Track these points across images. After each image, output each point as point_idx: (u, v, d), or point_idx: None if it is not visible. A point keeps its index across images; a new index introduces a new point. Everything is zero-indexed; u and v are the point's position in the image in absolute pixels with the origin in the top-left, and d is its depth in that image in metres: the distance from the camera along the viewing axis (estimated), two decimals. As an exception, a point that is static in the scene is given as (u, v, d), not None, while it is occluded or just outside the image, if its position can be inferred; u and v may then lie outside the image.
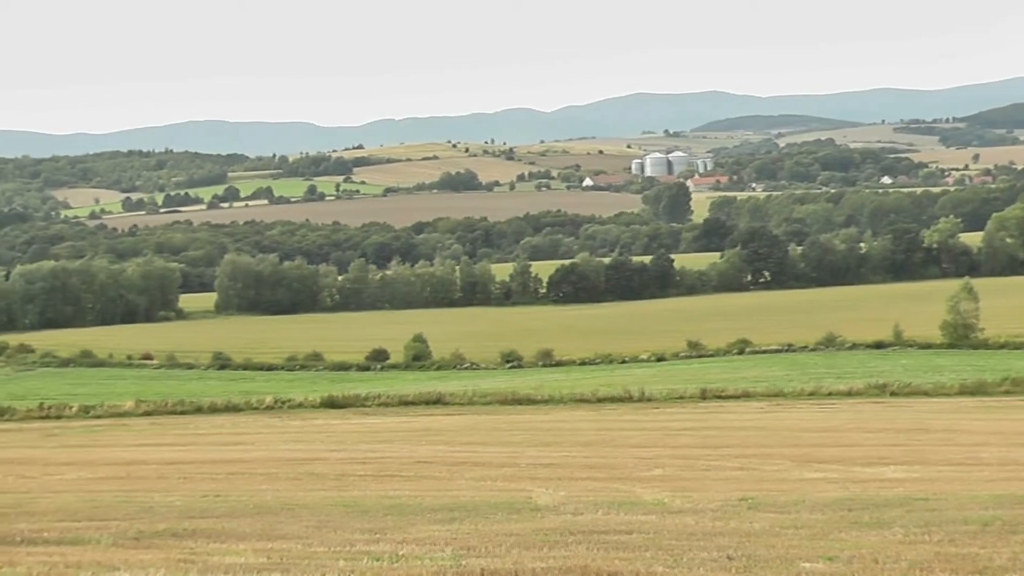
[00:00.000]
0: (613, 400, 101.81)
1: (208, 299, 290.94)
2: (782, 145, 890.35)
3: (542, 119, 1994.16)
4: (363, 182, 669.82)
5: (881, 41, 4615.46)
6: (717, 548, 27.52)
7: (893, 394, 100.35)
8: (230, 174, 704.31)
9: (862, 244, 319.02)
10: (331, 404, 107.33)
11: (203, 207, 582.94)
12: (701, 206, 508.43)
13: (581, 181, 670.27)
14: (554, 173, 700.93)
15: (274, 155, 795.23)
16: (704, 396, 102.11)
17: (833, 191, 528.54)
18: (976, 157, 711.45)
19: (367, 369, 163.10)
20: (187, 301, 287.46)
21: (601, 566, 24.92)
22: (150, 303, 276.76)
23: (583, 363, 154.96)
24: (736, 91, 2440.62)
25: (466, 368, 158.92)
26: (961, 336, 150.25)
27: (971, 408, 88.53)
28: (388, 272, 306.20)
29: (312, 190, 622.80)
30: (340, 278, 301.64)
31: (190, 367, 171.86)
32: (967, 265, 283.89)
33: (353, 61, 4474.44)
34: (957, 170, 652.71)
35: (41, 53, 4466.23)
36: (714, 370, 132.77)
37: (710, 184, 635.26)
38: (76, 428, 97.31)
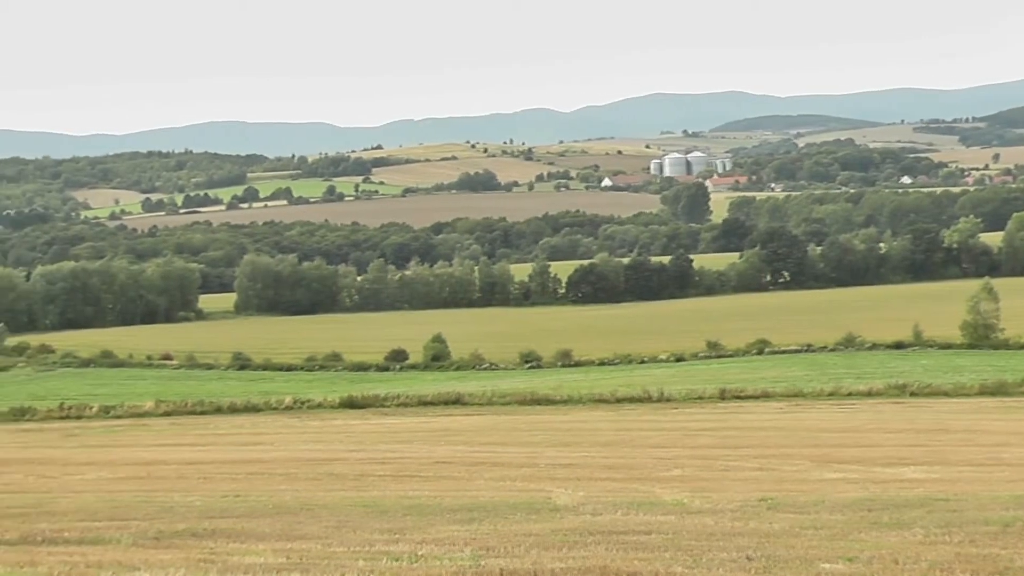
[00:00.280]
0: (632, 400, 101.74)
1: (228, 299, 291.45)
2: (801, 145, 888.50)
3: (561, 119, 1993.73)
4: (382, 182, 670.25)
5: (901, 41, 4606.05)
6: (736, 548, 27.49)
7: (913, 394, 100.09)
8: (249, 175, 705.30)
9: (882, 244, 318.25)
10: (350, 404, 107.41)
11: (222, 207, 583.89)
12: (720, 206, 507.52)
13: (600, 181, 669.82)
14: (573, 173, 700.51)
15: (293, 156, 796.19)
16: (723, 396, 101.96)
17: (853, 191, 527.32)
18: (996, 157, 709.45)
19: (386, 369, 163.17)
20: (207, 301, 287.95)
21: (620, 566, 24.91)
22: (170, 303, 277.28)
23: (602, 363, 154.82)
24: (755, 91, 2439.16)
25: (485, 368, 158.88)
26: (981, 336, 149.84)
27: (991, 408, 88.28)
28: (407, 272, 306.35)
29: (331, 190, 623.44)
30: (359, 278, 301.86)
31: (210, 367, 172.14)
32: (987, 265, 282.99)
33: (372, 61, 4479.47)
34: (977, 170, 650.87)
35: (61, 54, 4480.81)
36: (733, 370, 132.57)
37: (729, 184, 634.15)
38: (96, 428, 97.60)
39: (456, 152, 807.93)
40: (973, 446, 63.05)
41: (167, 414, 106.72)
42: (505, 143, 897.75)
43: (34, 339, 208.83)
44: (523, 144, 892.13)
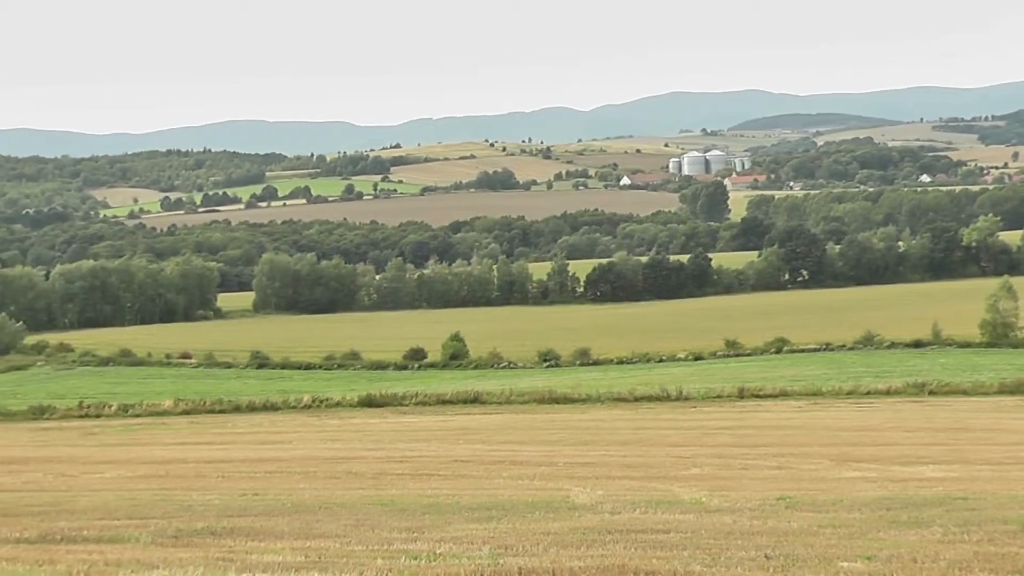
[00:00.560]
0: (650, 399, 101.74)
1: (246, 298, 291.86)
2: (820, 144, 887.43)
3: (579, 118, 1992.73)
4: (400, 181, 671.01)
5: (920, 39, 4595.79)
6: (755, 547, 27.45)
7: (932, 393, 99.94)
8: (268, 173, 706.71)
9: (901, 243, 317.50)
10: (369, 403, 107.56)
11: (241, 206, 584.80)
12: (739, 205, 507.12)
13: (618, 180, 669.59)
14: (591, 172, 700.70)
15: (312, 154, 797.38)
16: (742, 395, 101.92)
17: (871, 190, 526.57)
18: (1015, 155, 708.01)
19: (405, 368, 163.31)
20: (225, 300, 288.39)
21: (639, 565, 24.87)
22: (188, 302, 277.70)
23: (620, 362, 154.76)
24: (774, 89, 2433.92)
25: (503, 367, 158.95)
26: (1000, 335, 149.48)
27: (1010, 407, 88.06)
28: (426, 271, 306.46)
29: (350, 189, 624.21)
30: (378, 277, 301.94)
31: (228, 366, 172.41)
32: (1006, 264, 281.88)
33: (391, 61, 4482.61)
34: (996, 168, 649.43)
35: (81, 53, 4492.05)
36: (752, 369, 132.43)
37: (748, 183, 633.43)
38: (115, 427, 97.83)
39: (475, 151, 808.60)
40: (992, 445, 62.89)
41: (186, 413, 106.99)
42: (524, 142, 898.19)
43: (53, 338, 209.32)
44: (542, 143, 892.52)
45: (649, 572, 24.34)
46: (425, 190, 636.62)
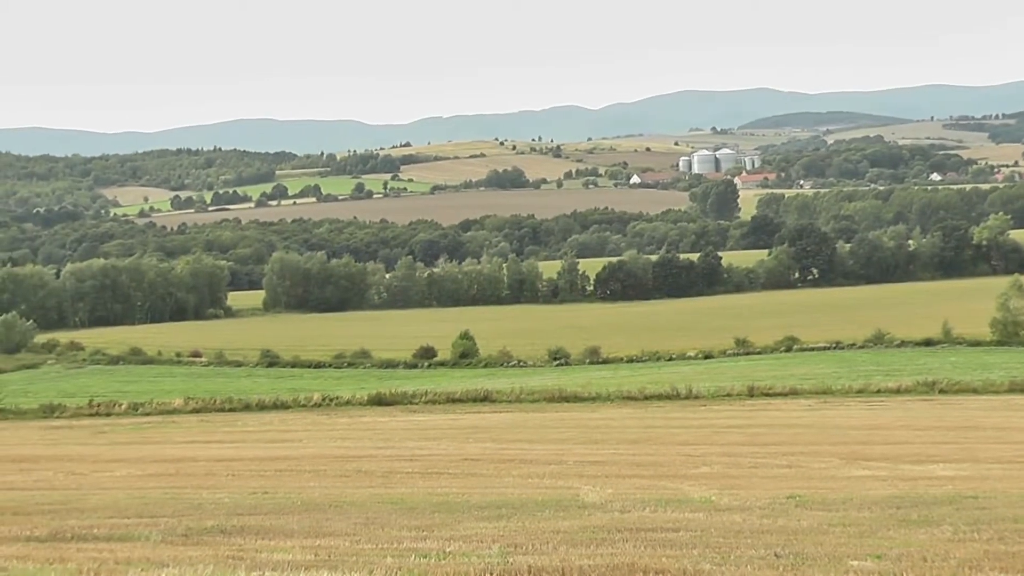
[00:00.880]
0: (660, 398, 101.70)
1: (256, 297, 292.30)
2: (830, 142, 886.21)
3: (589, 117, 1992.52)
4: (411, 180, 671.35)
5: (930, 37, 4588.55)
6: (765, 546, 27.42)
7: (942, 392, 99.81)
8: (278, 172, 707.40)
9: (911, 241, 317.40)
10: (379, 401, 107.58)
11: (251, 205, 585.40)
12: (749, 203, 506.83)
13: (628, 178, 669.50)
14: (601, 171, 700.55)
15: (322, 153, 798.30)
16: (752, 394, 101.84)
17: (882, 188, 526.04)
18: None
19: (414, 367, 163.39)
20: (236, 299, 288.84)
21: (648, 564, 24.85)
22: (199, 301, 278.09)
23: (630, 361, 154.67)
24: (784, 88, 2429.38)
25: (513, 366, 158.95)
26: (1011, 333, 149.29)
27: (1021, 406, 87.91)
28: (435, 270, 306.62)
29: (360, 188, 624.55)
30: (388, 276, 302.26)
31: (239, 365, 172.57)
32: (1017, 262, 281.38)
33: (401, 60, 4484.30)
34: (1007, 166, 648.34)
35: (92, 52, 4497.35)
36: (762, 368, 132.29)
37: (758, 181, 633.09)
38: (126, 425, 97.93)
39: (485, 149, 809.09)
40: (1002, 443, 62.80)
41: (196, 411, 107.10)
42: (534, 140, 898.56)
43: (64, 336, 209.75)
44: (552, 141, 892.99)
45: (659, 571, 24.31)
46: (435, 189, 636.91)
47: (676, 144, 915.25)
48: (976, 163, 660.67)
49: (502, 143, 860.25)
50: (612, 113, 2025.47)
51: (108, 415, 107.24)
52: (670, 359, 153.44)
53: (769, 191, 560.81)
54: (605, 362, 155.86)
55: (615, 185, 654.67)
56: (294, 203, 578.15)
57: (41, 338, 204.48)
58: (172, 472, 58.68)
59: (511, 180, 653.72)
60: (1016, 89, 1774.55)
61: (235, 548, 29.54)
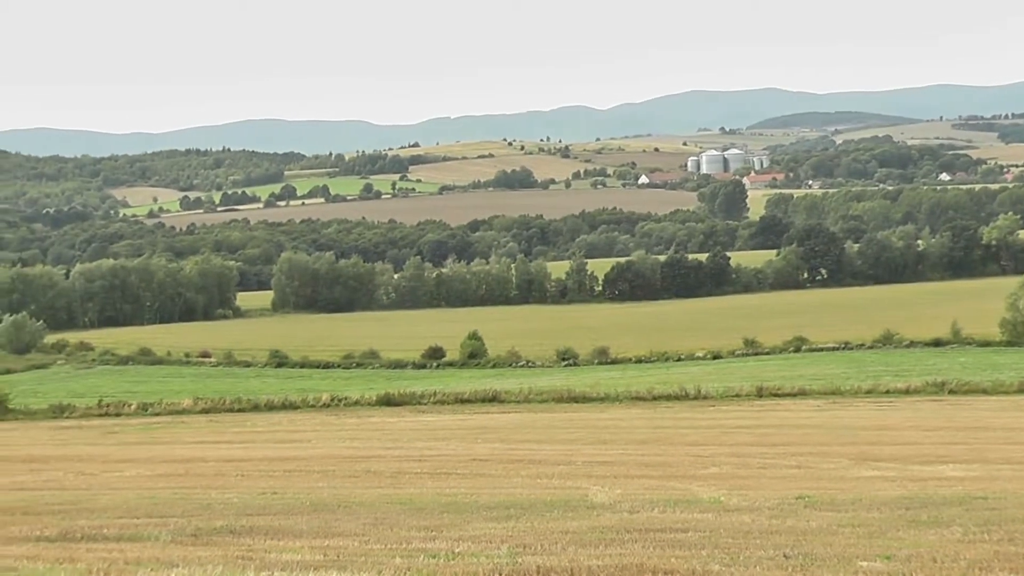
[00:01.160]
0: (669, 398, 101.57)
1: (265, 297, 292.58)
2: (839, 142, 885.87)
3: (598, 117, 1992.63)
4: (419, 180, 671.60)
5: (939, 36, 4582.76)
6: (774, 546, 27.40)
7: (952, 392, 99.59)
8: (287, 173, 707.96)
9: (920, 241, 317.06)
10: (387, 402, 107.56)
11: (260, 205, 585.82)
12: (757, 203, 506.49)
13: (637, 179, 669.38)
14: (610, 171, 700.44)
15: (330, 153, 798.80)
16: (760, 394, 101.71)
17: (891, 188, 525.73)
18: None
19: (423, 367, 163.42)
20: (244, 299, 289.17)
21: (657, 564, 24.86)
22: (208, 301, 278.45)
23: (639, 361, 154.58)
24: (792, 88, 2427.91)
25: (522, 366, 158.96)
26: (1021, 333, 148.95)
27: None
28: (444, 270, 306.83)
29: (368, 188, 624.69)
30: (396, 276, 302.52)
31: (247, 365, 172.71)
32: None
33: (409, 60, 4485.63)
34: (1016, 166, 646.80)
35: (101, 52, 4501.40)
36: (771, 368, 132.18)
37: (766, 181, 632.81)
38: (135, 425, 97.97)
39: (493, 150, 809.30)
40: (1012, 444, 62.67)
41: (205, 412, 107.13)
42: (542, 141, 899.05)
43: (73, 337, 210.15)
44: (560, 142, 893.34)
45: (667, 571, 24.31)
46: (443, 189, 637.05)
47: (684, 144, 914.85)
48: (985, 163, 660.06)
49: (510, 143, 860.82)
50: (620, 113, 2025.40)
51: (118, 415, 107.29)
52: (679, 359, 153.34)
53: (778, 191, 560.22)
54: (614, 362, 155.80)
55: (623, 185, 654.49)
56: (303, 203, 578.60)
57: (51, 338, 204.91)
58: (181, 472, 58.71)
59: (519, 180, 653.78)
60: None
61: (244, 548, 29.58)
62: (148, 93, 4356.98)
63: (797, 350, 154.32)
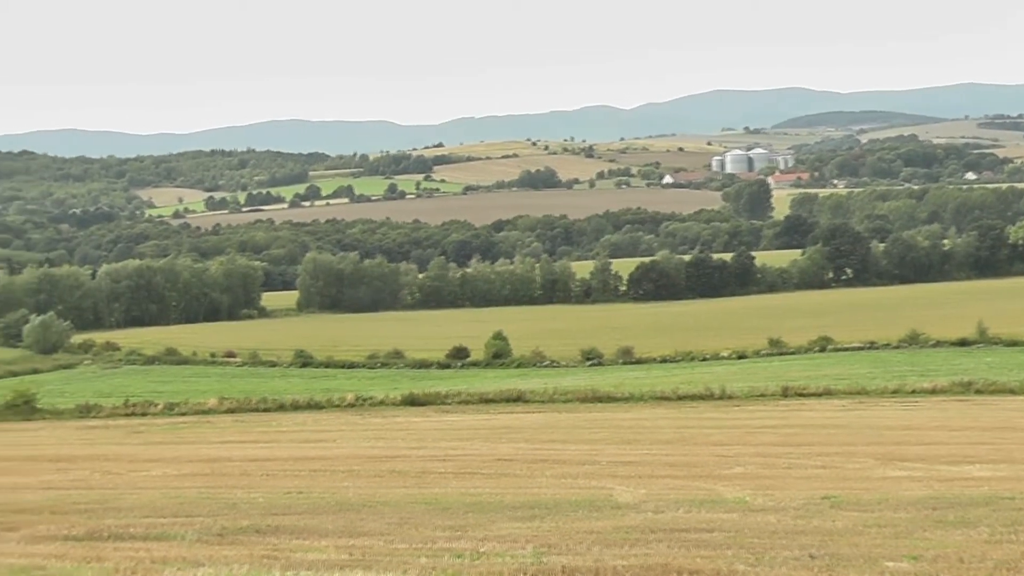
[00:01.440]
0: (694, 398, 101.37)
1: (290, 297, 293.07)
2: (864, 141, 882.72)
3: (622, 116, 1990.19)
4: (443, 180, 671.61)
5: (964, 35, 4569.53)
6: (799, 547, 27.38)
7: (978, 392, 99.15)
8: (311, 173, 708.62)
9: (946, 241, 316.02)
10: (412, 402, 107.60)
11: (285, 206, 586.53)
12: (782, 203, 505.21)
13: (661, 178, 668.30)
14: (634, 170, 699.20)
15: (355, 154, 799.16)
16: (786, 394, 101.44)
17: (916, 187, 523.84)
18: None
19: (447, 367, 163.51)
20: (269, 299, 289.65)
21: (682, 564, 24.86)
22: (233, 301, 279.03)
23: (664, 361, 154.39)
24: (817, 87, 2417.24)
25: (546, 366, 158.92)
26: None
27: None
28: (468, 270, 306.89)
29: (392, 188, 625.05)
30: (420, 276, 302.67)
31: (272, 365, 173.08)
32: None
33: (433, 60, 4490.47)
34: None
35: (127, 53, 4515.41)
36: (796, 368, 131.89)
37: (791, 181, 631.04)
38: (161, 425, 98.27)
39: (517, 150, 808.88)
40: (1039, 444, 62.41)
41: (231, 411, 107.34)
42: (566, 140, 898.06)
43: (99, 337, 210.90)
44: (584, 141, 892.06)
45: (693, 571, 24.32)
46: (467, 189, 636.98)
47: (709, 144, 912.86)
48: (1012, 162, 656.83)
49: (534, 143, 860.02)
50: (644, 113, 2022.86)
51: (144, 415, 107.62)
52: (703, 359, 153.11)
53: (802, 191, 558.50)
54: (638, 362, 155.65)
55: (647, 185, 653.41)
56: (327, 204, 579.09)
57: (77, 338, 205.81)
58: (207, 472, 58.90)
59: (543, 180, 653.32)
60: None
61: (270, 548, 29.67)
62: (173, 94, 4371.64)
63: (822, 350, 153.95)
